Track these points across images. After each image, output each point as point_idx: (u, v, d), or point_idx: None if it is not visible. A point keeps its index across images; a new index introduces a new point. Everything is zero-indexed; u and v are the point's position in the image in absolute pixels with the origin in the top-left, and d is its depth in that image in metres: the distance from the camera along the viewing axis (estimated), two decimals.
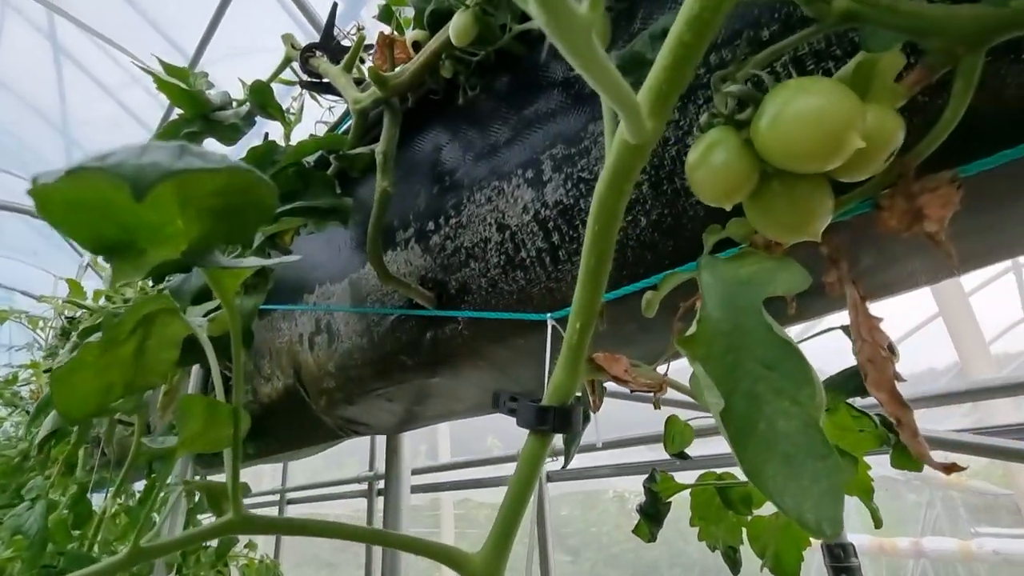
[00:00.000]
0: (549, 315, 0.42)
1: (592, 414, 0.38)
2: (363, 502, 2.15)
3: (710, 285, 0.24)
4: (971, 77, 0.22)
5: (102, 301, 1.29)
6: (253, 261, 0.21)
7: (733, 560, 0.63)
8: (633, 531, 0.58)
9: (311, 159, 0.64)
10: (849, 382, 0.41)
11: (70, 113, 3.86)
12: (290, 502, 2.63)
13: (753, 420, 0.21)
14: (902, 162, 0.24)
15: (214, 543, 1.33)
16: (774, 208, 0.23)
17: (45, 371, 1.70)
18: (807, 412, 0.20)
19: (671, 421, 0.51)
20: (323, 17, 2.29)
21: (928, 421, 1.03)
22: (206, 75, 0.69)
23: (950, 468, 0.23)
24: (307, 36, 2.83)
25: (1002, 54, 0.30)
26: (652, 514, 0.57)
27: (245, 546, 1.33)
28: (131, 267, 0.17)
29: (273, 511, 2.70)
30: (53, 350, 1.72)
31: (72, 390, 0.35)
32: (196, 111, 0.66)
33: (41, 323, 2.36)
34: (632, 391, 0.33)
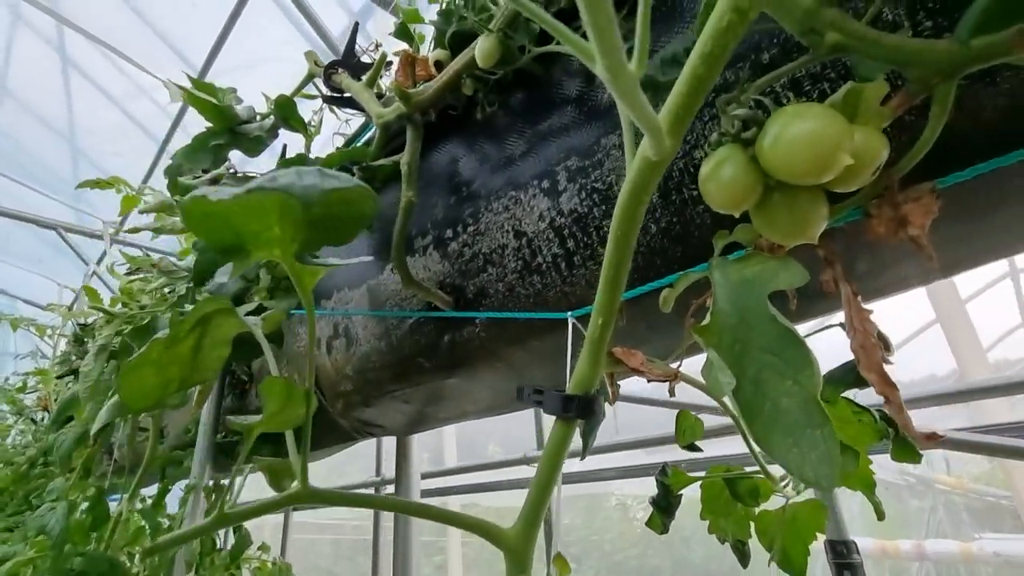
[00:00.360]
0: (570, 314, 0.46)
1: (610, 405, 0.41)
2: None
3: (720, 283, 0.27)
4: (946, 102, 0.26)
5: (119, 307, 1.32)
6: (334, 261, 0.24)
7: (742, 552, 0.66)
8: (647, 523, 0.60)
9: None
10: (848, 375, 0.44)
11: (76, 122, 3.91)
12: (295, 508, 2.65)
13: (760, 400, 0.24)
14: (888, 175, 0.28)
15: (220, 544, 1.35)
16: (776, 215, 0.26)
17: (58, 377, 1.73)
18: (806, 390, 0.23)
19: (682, 416, 0.54)
20: (330, 28, 2.33)
21: (926, 421, 1.06)
22: (234, 90, 0.73)
23: (930, 437, 0.26)
24: (314, 48, 2.88)
25: (980, 80, 0.34)
26: (664, 506, 0.60)
27: (259, 548, 1.35)
28: (241, 265, 0.20)
29: (279, 516, 2.71)
30: (66, 356, 1.74)
31: (137, 383, 0.38)
32: (224, 124, 0.70)
33: (49, 331, 2.39)
34: (648, 381, 0.36)
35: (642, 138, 0.26)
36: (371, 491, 2.15)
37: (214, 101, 0.67)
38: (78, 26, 2.83)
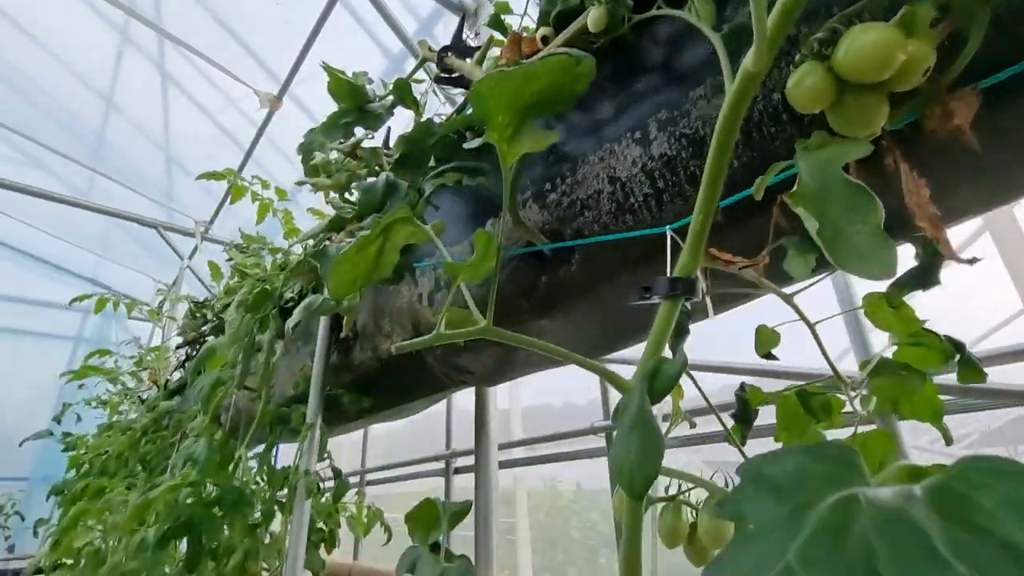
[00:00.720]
0: (668, 227, 0.55)
1: (707, 299, 0.50)
2: (440, 480, 2.31)
3: (804, 165, 0.36)
4: (983, 24, 0.34)
5: (235, 279, 1.51)
6: (544, 133, 0.35)
7: None
8: (727, 437, 0.68)
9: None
10: (912, 280, 0.51)
11: (171, 133, 4.31)
12: (369, 483, 2.84)
13: (838, 236, 0.33)
14: (938, 82, 0.36)
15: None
16: (848, 112, 0.35)
17: (178, 346, 1.96)
18: (872, 227, 0.32)
19: (760, 329, 0.62)
20: (409, 31, 2.52)
21: (1000, 377, 1.08)
22: (365, 73, 0.87)
23: (972, 261, 0.34)
24: (384, 55, 3.10)
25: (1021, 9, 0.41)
26: (744, 419, 0.68)
27: (355, 494, 1.50)
28: (486, 139, 0.31)
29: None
30: (183, 330, 1.98)
31: (339, 275, 0.50)
32: (355, 103, 0.83)
33: (159, 314, 2.69)
34: (739, 269, 0.45)
35: (736, 69, 0.36)
36: (442, 464, 2.28)
37: (352, 82, 0.81)
38: (179, 39, 3.16)
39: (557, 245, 0.70)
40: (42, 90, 4.02)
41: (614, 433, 1.72)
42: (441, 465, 2.31)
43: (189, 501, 1.16)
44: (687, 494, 0.52)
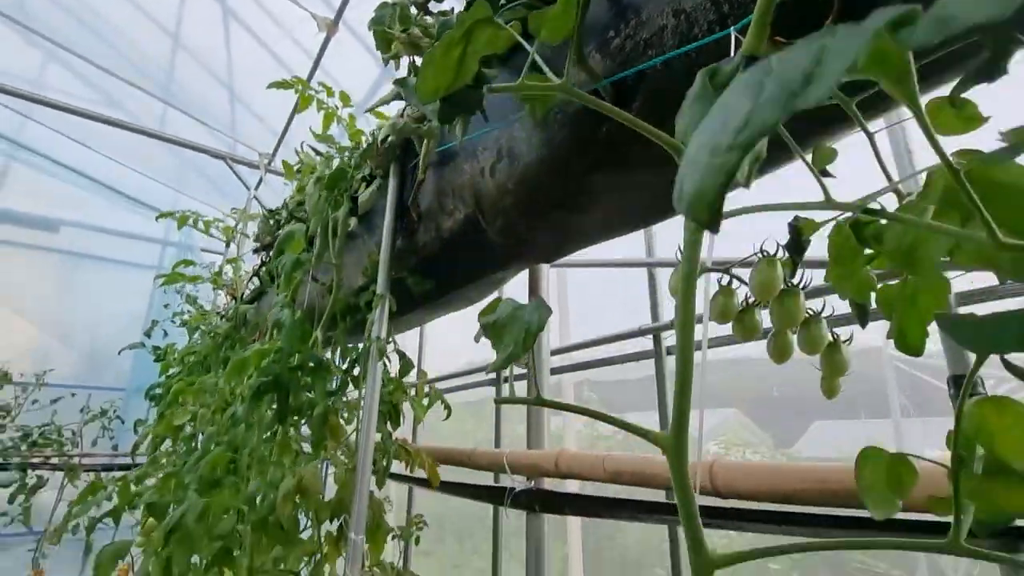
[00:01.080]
0: (732, 28, 0.57)
1: None
2: (491, 390, 2.44)
3: None
4: None
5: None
6: None
7: (861, 313, 0.75)
8: (782, 264, 0.72)
9: None
10: (978, 72, 0.52)
11: (234, 66, 4.46)
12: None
13: None
14: None
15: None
16: None
17: (256, 250, 2.12)
18: None
19: (817, 147, 0.64)
20: None
21: None
22: None
23: None
24: None
25: None
26: (796, 248, 0.71)
27: (417, 375, 1.64)
28: None
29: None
30: (258, 236, 2.13)
31: (426, 80, 0.56)
32: None
33: (234, 231, 2.89)
34: None
35: None
36: (492, 375, 2.41)
37: None
38: None
39: (620, 76, 0.73)
40: (114, 28, 4.22)
41: (662, 334, 1.75)
42: (492, 375, 2.44)
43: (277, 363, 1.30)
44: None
